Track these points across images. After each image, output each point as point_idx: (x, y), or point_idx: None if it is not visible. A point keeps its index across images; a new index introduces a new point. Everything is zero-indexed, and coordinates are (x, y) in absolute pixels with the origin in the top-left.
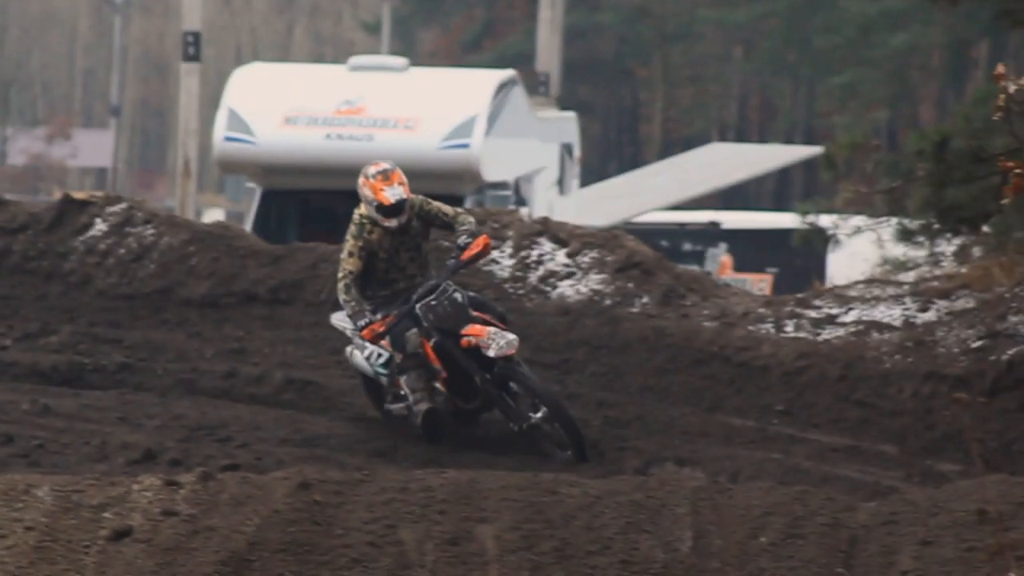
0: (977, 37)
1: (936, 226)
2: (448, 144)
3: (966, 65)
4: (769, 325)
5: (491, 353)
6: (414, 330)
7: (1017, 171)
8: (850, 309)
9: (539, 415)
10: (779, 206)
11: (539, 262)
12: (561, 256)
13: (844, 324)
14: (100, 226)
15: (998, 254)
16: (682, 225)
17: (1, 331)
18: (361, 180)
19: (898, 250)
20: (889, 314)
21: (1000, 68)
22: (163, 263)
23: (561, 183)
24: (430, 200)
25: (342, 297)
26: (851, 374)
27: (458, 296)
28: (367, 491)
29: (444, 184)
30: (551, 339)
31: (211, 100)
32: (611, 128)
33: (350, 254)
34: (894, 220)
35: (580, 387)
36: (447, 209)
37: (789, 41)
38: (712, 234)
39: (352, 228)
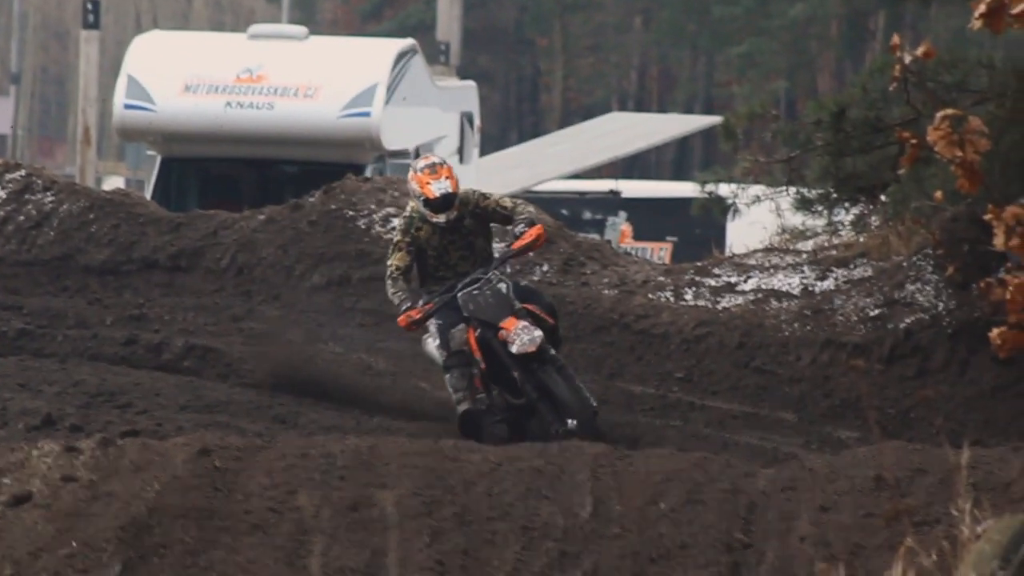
0: (874, 8)
1: (834, 195)
2: (348, 113)
3: (863, 36)
4: (669, 293)
5: (513, 349)
6: (461, 326)
7: (913, 141)
8: (749, 277)
9: (572, 424)
10: (679, 175)
11: None
12: None
13: (743, 292)
14: None
15: (896, 223)
16: (582, 194)
17: None
18: (410, 174)
19: (796, 219)
20: (788, 282)
21: (896, 39)
22: (63, 230)
23: (461, 152)
24: (488, 195)
25: (389, 290)
26: (750, 342)
27: (502, 286)
28: (267, 457)
29: (345, 153)
30: None
31: (111, 67)
32: (511, 97)
33: (397, 248)
34: (792, 189)
35: None
36: (505, 202)
37: (688, 11)
38: (612, 203)
39: (401, 223)
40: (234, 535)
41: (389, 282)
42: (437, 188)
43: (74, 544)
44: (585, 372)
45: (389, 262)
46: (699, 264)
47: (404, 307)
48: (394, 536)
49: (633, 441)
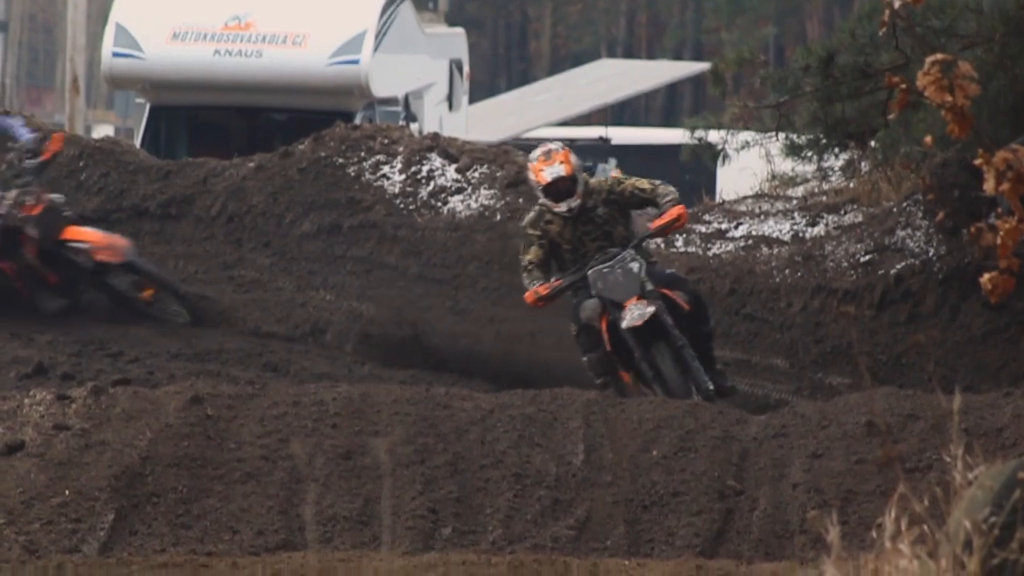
0: None
1: (823, 141)
2: (337, 60)
3: None
4: (659, 240)
5: (623, 324)
6: (595, 299)
7: (903, 86)
8: (739, 224)
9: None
10: (668, 122)
11: (429, 177)
12: (451, 172)
13: (733, 239)
14: None
15: (885, 169)
16: (572, 141)
17: None
18: (528, 167)
19: (786, 165)
20: (778, 229)
21: None
22: (53, 179)
23: (451, 99)
24: (623, 179)
25: (525, 283)
26: (741, 288)
27: (634, 266)
28: (259, 405)
29: (333, 100)
30: (442, 255)
31: (99, 15)
32: (500, 44)
33: (528, 244)
34: (782, 135)
35: (472, 303)
36: (643, 184)
37: None
38: (602, 149)
39: (530, 215)
40: (227, 483)
41: (524, 275)
42: (549, 173)
43: (67, 492)
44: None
45: (522, 257)
46: (689, 210)
47: (531, 284)
48: (387, 484)
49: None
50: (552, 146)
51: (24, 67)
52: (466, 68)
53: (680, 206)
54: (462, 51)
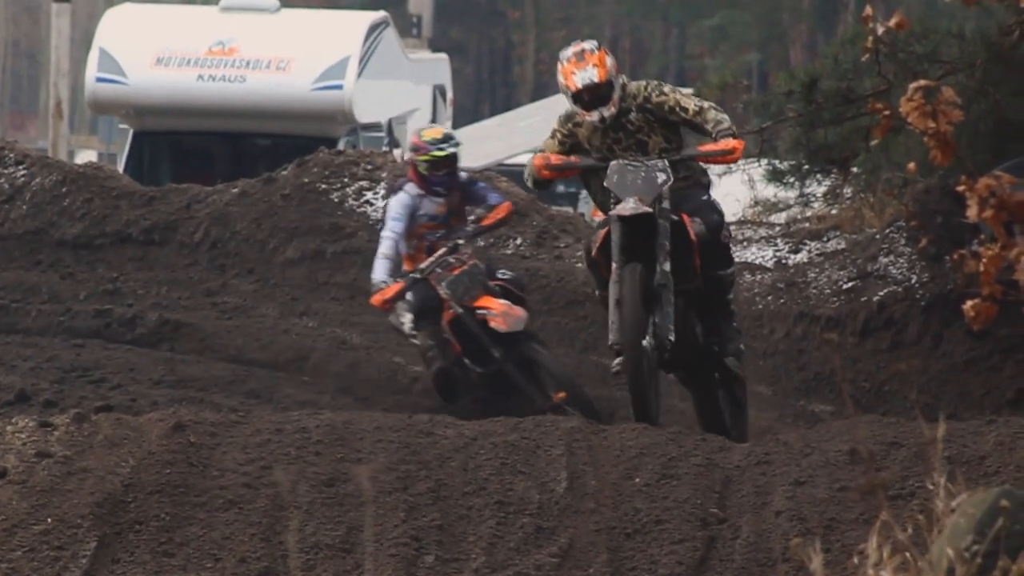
0: None
1: (806, 167)
2: (321, 85)
3: (836, 8)
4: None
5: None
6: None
7: (885, 112)
8: None
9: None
10: None
11: None
12: None
13: None
14: None
15: (868, 195)
16: None
17: None
18: (558, 66)
19: (769, 191)
20: (761, 255)
21: (868, 10)
22: (36, 204)
23: (434, 124)
24: (666, 91)
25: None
26: None
27: (660, 176)
28: (242, 432)
29: (317, 126)
30: None
31: (83, 40)
32: (484, 70)
33: (552, 135)
34: (764, 161)
35: None
36: (688, 103)
37: None
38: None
39: (562, 113)
40: (210, 511)
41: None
42: (580, 78)
43: (49, 520)
44: (559, 345)
45: (539, 148)
46: None
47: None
48: (370, 511)
49: (608, 415)
50: (586, 45)
51: (7, 92)
52: (450, 94)
53: (736, 140)
54: (445, 77)
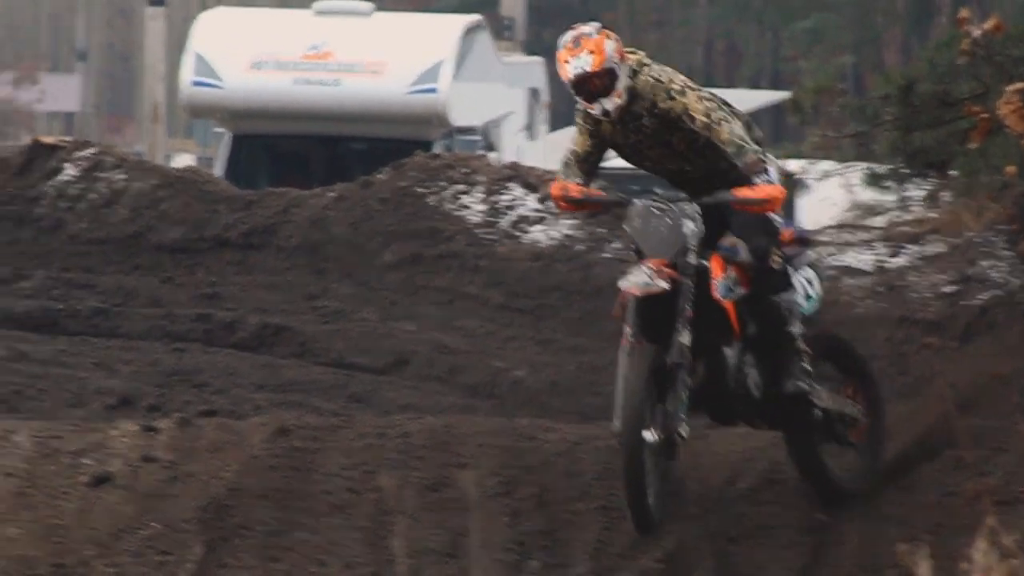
0: None
1: (904, 170)
2: (416, 89)
3: (929, 10)
4: None
5: (619, 282)
6: None
7: (983, 115)
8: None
9: None
10: None
11: (510, 207)
12: (532, 201)
13: None
14: (70, 171)
15: (967, 198)
16: None
17: None
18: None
19: (867, 195)
20: (860, 259)
21: (964, 13)
22: (134, 208)
23: (529, 128)
24: (674, 93)
25: (559, 172)
26: (825, 319)
27: (688, 226)
28: (345, 437)
29: (412, 129)
30: (524, 284)
31: (177, 44)
32: None
33: (578, 131)
34: (862, 165)
35: (554, 332)
36: (695, 111)
37: None
38: None
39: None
40: (314, 516)
41: (561, 167)
42: (573, 67)
43: (155, 525)
44: None
45: (569, 146)
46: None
47: (565, 178)
48: (475, 517)
49: (710, 421)
50: (585, 29)
51: (104, 96)
52: (544, 97)
53: (774, 187)
54: (540, 80)
